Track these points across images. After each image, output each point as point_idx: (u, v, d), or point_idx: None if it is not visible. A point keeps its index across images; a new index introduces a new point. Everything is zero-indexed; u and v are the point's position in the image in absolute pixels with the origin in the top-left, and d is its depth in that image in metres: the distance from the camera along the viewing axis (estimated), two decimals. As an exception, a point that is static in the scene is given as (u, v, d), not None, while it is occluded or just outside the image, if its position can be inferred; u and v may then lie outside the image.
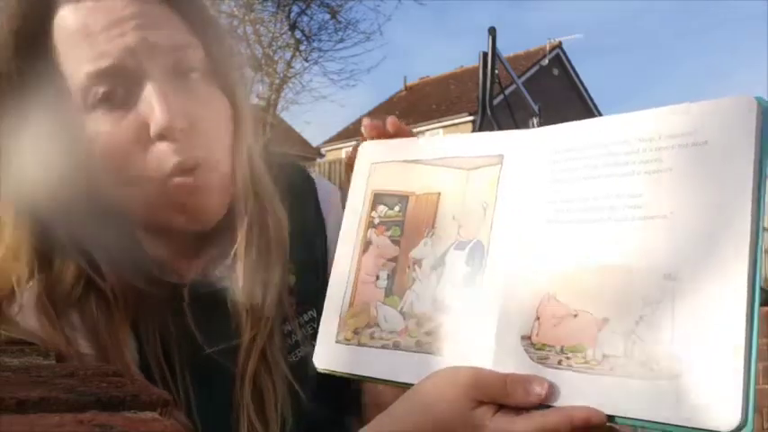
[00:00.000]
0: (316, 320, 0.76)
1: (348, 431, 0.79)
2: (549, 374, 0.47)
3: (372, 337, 0.56)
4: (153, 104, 0.63)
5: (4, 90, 0.65)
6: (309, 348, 0.74)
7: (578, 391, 0.45)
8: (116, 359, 0.65)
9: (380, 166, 0.62)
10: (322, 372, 0.59)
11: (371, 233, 0.60)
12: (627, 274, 0.45)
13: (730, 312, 0.40)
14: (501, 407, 0.47)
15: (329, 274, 0.79)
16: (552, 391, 0.46)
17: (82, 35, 0.63)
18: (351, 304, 0.59)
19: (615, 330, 0.45)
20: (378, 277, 0.58)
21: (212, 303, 0.71)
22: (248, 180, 0.73)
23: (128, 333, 0.67)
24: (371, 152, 0.63)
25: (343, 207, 0.64)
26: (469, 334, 0.52)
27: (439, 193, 0.57)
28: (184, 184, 0.66)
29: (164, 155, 0.65)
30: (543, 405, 0.46)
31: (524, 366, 0.48)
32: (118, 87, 0.64)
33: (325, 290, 0.79)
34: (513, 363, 0.49)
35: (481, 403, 0.47)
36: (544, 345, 0.48)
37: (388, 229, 0.59)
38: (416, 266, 0.56)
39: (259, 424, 0.69)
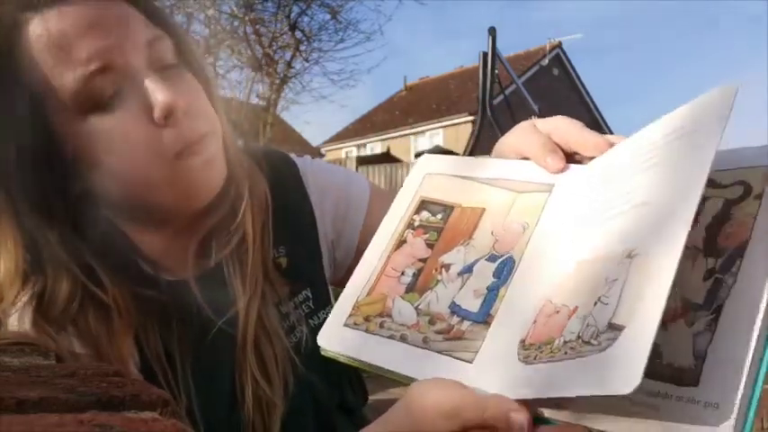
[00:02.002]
0: (311, 299, 0.79)
1: (349, 410, 0.81)
2: (529, 370, 0.47)
3: (381, 327, 0.57)
4: (152, 91, 0.65)
5: None
6: (306, 329, 0.77)
7: (539, 381, 0.45)
8: (116, 362, 0.65)
9: (434, 177, 0.64)
10: (324, 353, 0.59)
11: (408, 233, 0.61)
12: (602, 263, 0.47)
13: (662, 281, 0.41)
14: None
15: (323, 253, 0.83)
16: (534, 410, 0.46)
17: (62, 42, 0.63)
18: (369, 293, 0.59)
19: (578, 316, 0.46)
20: (403, 273, 0.59)
21: (211, 283, 0.73)
22: (239, 153, 0.77)
23: (130, 342, 0.67)
24: (428, 164, 0.66)
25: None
26: (476, 337, 0.52)
27: (483, 209, 0.59)
28: (193, 160, 0.68)
29: (172, 136, 0.66)
30: (541, 420, 0.47)
31: (510, 368, 0.49)
32: (113, 87, 0.65)
33: (320, 269, 0.82)
34: (503, 365, 0.49)
35: (469, 428, 0.47)
36: (531, 345, 0.48)
37: (425, 233, 0.60)
38: (444, 270, 0.57)
39: (265, 383, 0.71)
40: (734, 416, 0.39)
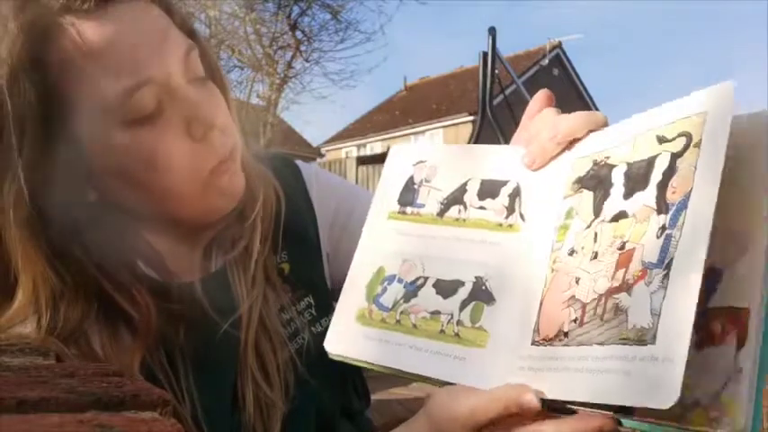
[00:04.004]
0: (313, 307, 0.78)
1: (351, 414, 0.81)
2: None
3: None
4: (194, 106, 0.65)
5: (15, 113, 0.61)
6: (309, 336, 0.76)
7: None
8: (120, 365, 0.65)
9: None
10: (331, 356, 0.60)
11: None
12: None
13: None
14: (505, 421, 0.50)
15: (323, 259, 0.82)
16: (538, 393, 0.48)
17: (104, 52, 0.61)
18: None
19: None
20: None
21: (216, 285, 0.73)
22: (252, 164, 0.77)
23: (139, 359, 0.67)
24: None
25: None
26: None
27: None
28: (225, 176, 0.68)
29: (207, 153, 0.66)
30: (561, 409, 0.47)
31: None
32: (153, 100, 0.63)
33: (321, 276, 0.81)
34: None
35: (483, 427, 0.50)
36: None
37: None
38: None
39: (266, 385, 0.71)
40: (681, 370, 0.39)
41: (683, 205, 0.44)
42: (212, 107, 0.67)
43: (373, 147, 20.36)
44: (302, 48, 9.92)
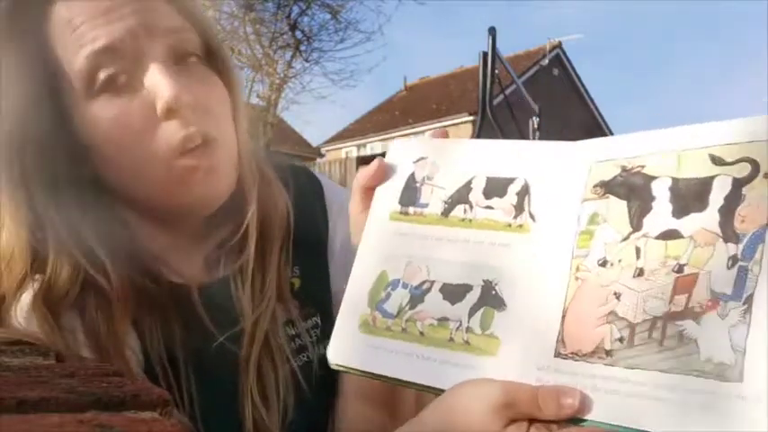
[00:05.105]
0: (319, 327, 0.76)
1: None
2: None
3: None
4: (158, 82, 0.64)
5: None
6: (314, 353, 0.74)
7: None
8: (116, 358, 0.64)
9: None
10: (336, 367, 0.57)
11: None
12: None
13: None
14: (533, 421, 0.46)
15: (331, 279, 0.79)
16: (585, 401, 0.45)
17: (79, 21, 0.63)
18: None
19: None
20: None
21: (216, 294, 0.71)
22: (253, 164, 0.74)
23: (128, 332, 0.67)
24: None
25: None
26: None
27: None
28: (192, 162, 0.66)
29: (171, 131, 0.65)
30: (578, 419, 0.45)
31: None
32: (120, 71, 0.64)
33: (328, 295, 0.78)
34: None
35: (512, 421, 0.47)
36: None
37: None
38: None
39: (263, 408, 0.69)
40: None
41: (760, 239, 0.43)
42: (187, 87, 0.65)
43: (373, 147, 20.35)
44: (302, 48, 9.93)
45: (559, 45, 19.47)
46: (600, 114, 20.98)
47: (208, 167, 0.67)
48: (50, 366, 0.50)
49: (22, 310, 0.64)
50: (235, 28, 9.25)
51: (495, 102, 4.84)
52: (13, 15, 0.65)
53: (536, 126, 5.09)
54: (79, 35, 0.63)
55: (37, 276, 0.65)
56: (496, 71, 4.59)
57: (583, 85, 20.67)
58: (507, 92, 5.02)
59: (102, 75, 0.63)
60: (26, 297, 0.64)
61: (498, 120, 4.57)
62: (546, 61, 18.20)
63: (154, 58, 0.65)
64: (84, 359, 0.64)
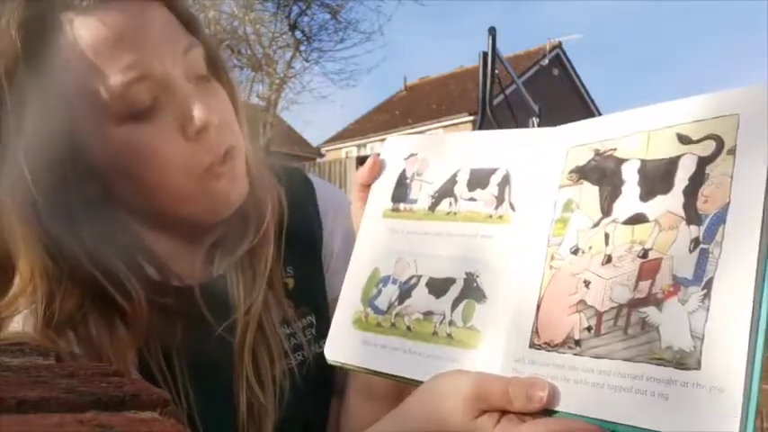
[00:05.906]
0: (314, 326, 0.77)
1: None
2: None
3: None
4: (190, 105, 0.65)
5: (14, 105, 0.62)
6: (310, 352, 0.75)
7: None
8: (116, 358, 0.65)
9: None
10: (332, 362, 0.59)
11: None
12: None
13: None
14: (504, 413, 0.46)
15: (325, 279, 0.80)
16: (554, 393, 0.45)
17: (102, 47, 0.62)
18: None
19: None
20: None
21: (215, 291, 0.72)
22: (257, 163, 0.75)
23: (133, 352, 0.67)
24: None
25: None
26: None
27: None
28: (219, 174, 0.67)
29: (203, 151, 0.66)
30: (549, 411, 0.45)
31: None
32: (149, 94, 0.63)
33: (325, 297, 0.79)
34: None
35: (484, 412, 0.47)
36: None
37: None
38: None
39: (259, 390, 0.70)
40: (740, 401, 0.38)
41: (720, 219, 0.42)
42: (209, 107, 0.66)
43: (373, 147, 20.34)
44: (302, 48, 9.94)
45: (559, 45, 19.47)
46: (600, 114, 20.95)
47: (231, 176, 0.69)
48: (50, 366, 0.50)
49: (24, 324, 0.64)
50: (234, 28, 9.25)
51: (495, 102, 4.84)
52: (32, 36, 0.63)
53: (536, 126, 5.10)
54: (106, 60, 0.62)
55: (42, 300, 0.64)
56: (496, 71, 4.60)
57: (583, 85, 20.67)
58: (507, 92, 5.02)
59: (133, 101, 0.63)
60: (26, 317, 0.64)
61: (498, 120, 4.57)
62: (546, 61, 18.20)
63: (179, 80, 0.65)
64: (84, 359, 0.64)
